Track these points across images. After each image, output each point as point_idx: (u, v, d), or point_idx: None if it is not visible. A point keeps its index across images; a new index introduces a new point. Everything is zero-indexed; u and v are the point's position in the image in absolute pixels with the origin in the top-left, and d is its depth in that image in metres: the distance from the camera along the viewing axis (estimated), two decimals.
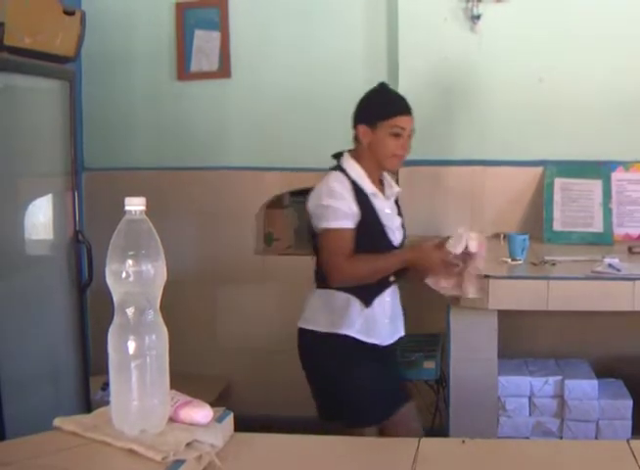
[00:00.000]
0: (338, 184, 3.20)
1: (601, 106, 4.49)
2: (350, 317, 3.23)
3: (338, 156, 3.38)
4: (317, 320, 3.28)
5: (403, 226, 3.44)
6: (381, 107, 3.32)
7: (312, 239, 3.35)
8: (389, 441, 2.01)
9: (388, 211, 3.34)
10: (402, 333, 3.47)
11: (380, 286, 3.32)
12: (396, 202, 3.47)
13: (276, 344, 5.02)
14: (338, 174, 3.25)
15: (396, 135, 3.26)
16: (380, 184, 3.38)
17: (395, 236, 3.35)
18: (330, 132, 4.85)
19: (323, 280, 3.30)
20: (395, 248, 3.34)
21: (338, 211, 3.16)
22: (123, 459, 1.69)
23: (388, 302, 3.35)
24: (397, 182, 4.59)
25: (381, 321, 3.31)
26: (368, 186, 3.27)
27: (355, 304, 3.25)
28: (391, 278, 3.35)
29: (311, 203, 3.25)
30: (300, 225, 5.66)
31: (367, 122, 3.30)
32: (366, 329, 3.26)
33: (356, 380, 3.24)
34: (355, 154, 3.34)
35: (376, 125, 3.27)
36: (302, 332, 3.34)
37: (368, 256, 3.19)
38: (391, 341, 3.39)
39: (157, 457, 1.66)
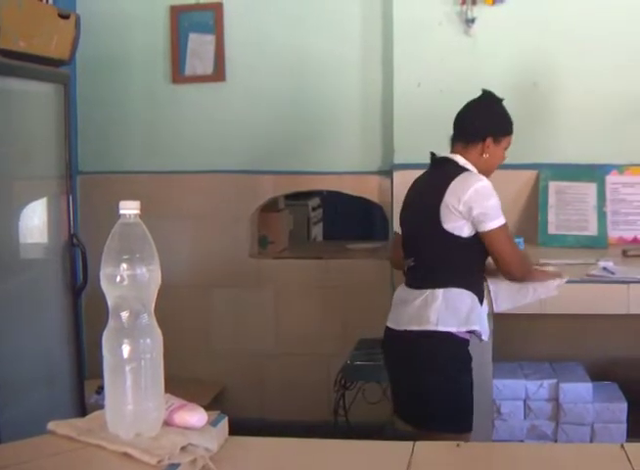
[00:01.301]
0: (488, 182, 3.24)
1: (595, 109, 4.49)
2: (477, 314, 3.20)
3: (443, 159, 3.40)
4: (446, 320, 3.15)
5: None
6: (508, 122, 3.49)
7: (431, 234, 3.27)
8: (384, 444, 2.00)
9: None
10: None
11: (483, 285, 3.38)
12: None
13: (271, 347, 5.03)
14: (476, 173, 3.30)
15: (505, 149, 3.44)
16: None
17: None
18: (324, 136, 4.88)
19: (447, 279, 3.20)
20: None
21: (500, 208, 3.23)
22: (118, 463, 1.69)
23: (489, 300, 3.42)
24: (392, 185, 4.63)
25: (485, 319, 3.30)
26: None
27: (476, 301, 3.23)
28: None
29: (478, 205, 3.16)
30: (295, 228, 5.68)
31: (494, 136, 3.39)
32: (485, 326, 3.27)
33: (468, 383, 3.19)
34: (468, 159, 3.34)
35: (500, 140, 3.39)
36: (425, 334, 3.18)
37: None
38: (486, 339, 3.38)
39: (151, 461, 1.65)
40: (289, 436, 2.00)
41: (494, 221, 3.16)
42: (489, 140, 3.34)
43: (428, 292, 3.18)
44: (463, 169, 3.24)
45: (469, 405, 3.17)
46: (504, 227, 3.19)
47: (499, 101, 3.52)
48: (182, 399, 1.86)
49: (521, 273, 3.29)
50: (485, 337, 3.25)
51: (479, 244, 3.20)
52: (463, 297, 3.17)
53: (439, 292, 3.16)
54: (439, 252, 3.23)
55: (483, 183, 3.19)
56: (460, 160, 3.30)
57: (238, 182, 4.97)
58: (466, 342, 3.16)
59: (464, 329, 3.15)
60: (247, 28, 4.88)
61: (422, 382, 3.19)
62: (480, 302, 3.24)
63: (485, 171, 3.31)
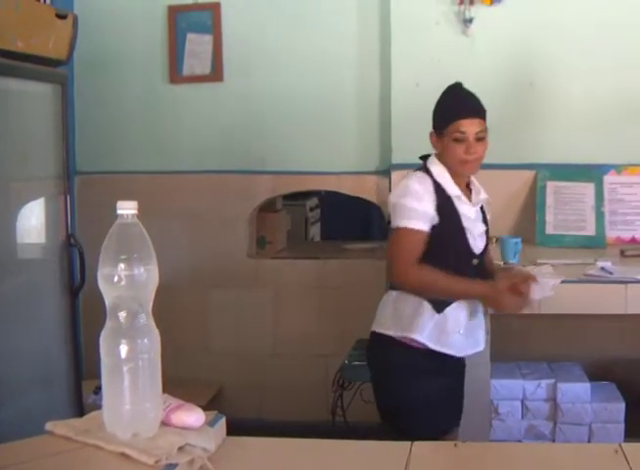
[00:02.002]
0: (419, 185, 3.06)
1: (593, 109, 4.50)
2: (421, 321, 3.05)
3: (424, 157, 3.24)
4: (388, 324, 3.12)
5: (487, 233, 3.26)
6: (443, 113, 3.18)
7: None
8: (382, 444, 2.00)
9: (471, 216, 3.16)
10: (482, 347, 3.24)
11: None
12: (482, 209, 3.27)
13: (269, 348, 5.03)
14: (421, 175, 3.12)
15: (459, 140, 3.06)
16: (467, 189, 3.22)
17: (477, 243, 3.16)
18: (322, 136, 4.88)
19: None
20: (475, 254, 3.15)
21: (413, 212, 3.03)
22: (116, 463, 1.69)
23: (464, 311, 3.13)
24: (390, 185, 4.62)
25: (453, 331, 3.09)
26: (452, 189, 3.11)
27: (427, 308, 3.07)
28: None
29: (391, 199, 3.12)
30: (293, 229, 5.68)
31: (435, 129, 3.17)
32: (437, 336, 3.06)
33: (414, 391, 3.09)
34: (440, 157, 3.17)
35: (442, 132, 3.11)
36: (373, 335, 3.18)
37: (439, 272, 3.02)
38: (467, 353, 3.19)
39: (149, 461, 1.65)
40: (287, 436, 2.00)
41: (398, 221, 3.04)
42: (432, 134, 3.17)
43: (388, 293, 3.17)
44: (422, 169, 3.16)
45: (413, 416, 3.10)
46: (405, 231, 3.03)
47: (447, 91, 3.29)
48: (180, 400, 1.86)
49: (397, 281, 3.10)
50: (449, 351, 3.08)
51: (432, 241, 3.06)
52: (408, 302, 3.08)
53: (392, 294, 3.14)
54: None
55: (409, 182, 3.08)
56: (431, 158, 3.19)
57: (236, 182, 4.97)
58: (411, 348, 3.07)
59: (400, 335, 3.07)
60: (244, 29, 4.88)
61: (372, 384, 3.27)
62: (438, 310, 3.07)
63: (452, 168, 3.12)
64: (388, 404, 3.18)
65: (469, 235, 3.12)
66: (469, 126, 3.07)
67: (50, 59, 3.67)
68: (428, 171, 3.13)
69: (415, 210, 3.03)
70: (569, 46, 4.47)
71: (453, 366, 3.17)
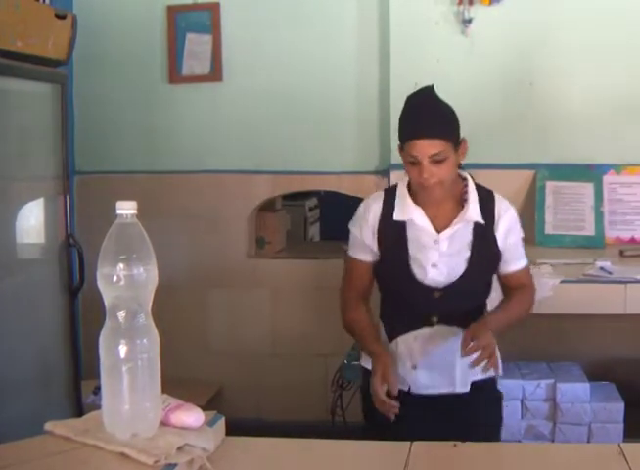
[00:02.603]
0: (364, 209, 2.88)
1: (592, 109, 4.49)
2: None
3: None
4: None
5: (471, 262, 2.81)
6: (399, 128, 2.81)
7: None
8: (381, 444, 2.00)
9: (427, 243, 2.80)
10: (455, 389, 2.87)
11: (409, 323, 2.90)
12: (487, 229, 2.84)
13: (268, 348, 5.03)
14: (377, 194, 2.92)
15: (413, 163, 2.71)
16: (460, 205, 2.84)
17: (427, 272, 2.80)
18: (321, 136, 4.87)
19: None
20: (430, 287, 2.81)
21: (354, 239, 2.92)
22: (115, 463, 1.69)
23: (418, 345, 2.87)
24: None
25: (402, 364, 2.87)
26: (404, 211, 2.82)
27: (383, 333, 2.95)
28: (434, 319, 2.85)
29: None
30: (292, 229, 5.68)
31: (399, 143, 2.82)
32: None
33: (367, 420, 2.95)
34: None
35: (402, 147, 2.78)
36: None
37: (363, 320, 2.94)
38: (430, 392, 2.87)
39: (148, 461, 1.66)
40: (286, 436, 2.01)
41: (348, 245, 2.98)
42: (399, 146, 2.83)
43: None
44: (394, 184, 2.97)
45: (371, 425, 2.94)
46: (348, 258, 2.99)
47: (407, 100, 2.92)
48: (179, 400, 1.87)
49: (340, 305, 3.10)
50: (400, 385, 2.74)
51: (377, 269, 2.94)
52: None
53: None
54: None
55: (361, 204, 2.93)
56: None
57: (235, 182, 4.96)
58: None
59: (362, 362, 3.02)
60: (244, 29, 4.88)
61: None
62: (390, 337, 2.93)
63: (415, 189, 2.82)
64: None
65: (413, 265, 2.81)
66: (421, 149, 2.67)
67: (49, 59, 3.67)
68: (393, 189, 2.92)
69: (355, 237, 2.92)
70: (568, 46, 4.47)
71: (427, 405, 2.86)
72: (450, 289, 2.81)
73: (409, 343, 2.88)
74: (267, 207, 5.22)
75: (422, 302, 2.84)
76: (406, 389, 2.85)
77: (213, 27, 4.87)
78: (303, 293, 4.95)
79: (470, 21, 4.47)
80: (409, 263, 2.82)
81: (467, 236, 2.82)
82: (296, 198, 5.98)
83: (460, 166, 2.87)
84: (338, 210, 6.69)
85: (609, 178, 4.47)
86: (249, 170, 4.94)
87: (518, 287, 2.92)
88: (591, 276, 3.58)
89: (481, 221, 2.81)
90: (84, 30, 4.04)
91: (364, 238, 2.88)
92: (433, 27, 4.55)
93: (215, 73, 4.90)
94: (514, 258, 2.91)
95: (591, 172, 4.47)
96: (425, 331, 2.86)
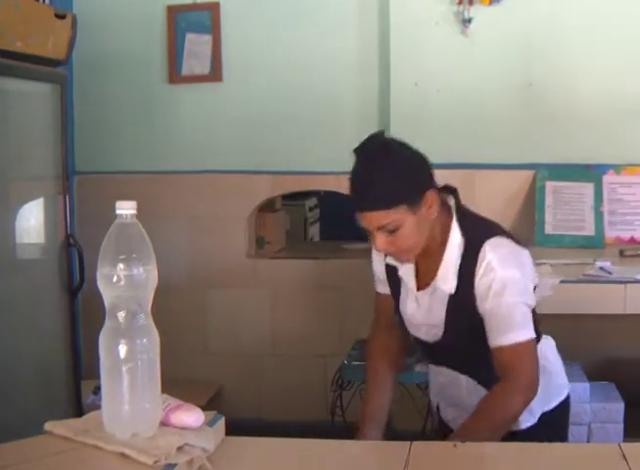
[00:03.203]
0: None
1: (592, 109, 4.49)
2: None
3: None
4: None
5: (447, 325, 2.49)
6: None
7: None
8: (381, 444, 2.00)
9: (411, 296, 2.58)
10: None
11: (425, 357, 2.86)
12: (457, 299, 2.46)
13: (268, 348, 5.03)
14: None
15: (370, 232, 2.39)
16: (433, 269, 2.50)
17: (419, 331, 2.61)
18: (321, 136, 4.88)
19: None
20: (420, 339, 2.64)
21: (373, 271, 2.76)
22: (115, 463, 1.69)
23: (439, 380, 2.72)
24: None
25: (432, 394, 2.81)
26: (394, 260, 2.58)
27: None
28: (438, 360, 2.69)
29: None
30: (292, 229, 5.68)
31: None
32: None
33: None
34: None
35: None
36: None
37: (375, 365, 2.75)
38: (451, 426, 2.70)
39: (148, 461, 1.65)
40: (286, 436, 2.00)
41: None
42: None
43: None
44: None
45: None
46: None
47: (355, 154, 2.39)
48: (179, 400, 1.86)
49: None
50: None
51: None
52: None
53: None
54: None
55: None
56: None
57: (235, 182, 4.97)
58: None
59: None
60: (244, 28, 4.88)
61: None
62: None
63: None
64: None
65: (402, 305, 2.64)
66: (367, 221, 2.34)
67: (49, 59, 3.67)
68: None
69: (373, 270, 2.76)
70: (568, 46, 4.47)
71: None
72: (438, 343, 2.56)
73: (434, 375, 2.76)
74: (267, 207, 5.22)
75: (425, 349, 2.71)
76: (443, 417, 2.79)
77: (213, 27, 4.87)
78: (303, 293, 4.95)
79: (470, 20, 4.47)
80: (399, 303, 2.66)
81: (438, 301, 2.49)
82: (295, 198, 5.98)
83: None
84: (337, 210, 6.69)
85: (608, 178, 4.47)
86: (248, 170, 4.94)
87: (502, 371, 2.35)
88: (591, 276, 3.58)
89: (451, 291, 2.43)
90: (84, 30, 4.04)
91: (377, 272, 2.74)
92: (432, 27, 4.54)
93: (215, 73, 4.90)
94: (493, 329, 2.35)
95: (591, 172, 4.47)
96: (435, 368, 2.73)
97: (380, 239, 2.35)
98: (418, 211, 2.33)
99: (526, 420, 2.52)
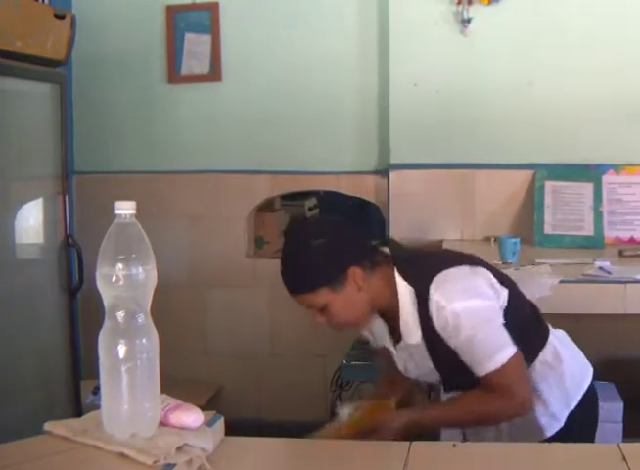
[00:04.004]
0: None
1: (591, 109, 4.49)
2: None
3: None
4: None
5: (437, 367, 2.51)
6: None
7: None
8: (381, 444, 2.00)
9: (393, 351, 2.58)
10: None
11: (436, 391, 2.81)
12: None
13: (267, 348, 5.03)
14: None
15: None
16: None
17: (416, 377, 2.64)
18: (321, 136, 4.87)
19: None
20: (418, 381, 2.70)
21: None
22: (114, 463, 1.68)
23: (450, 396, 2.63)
24: (388, 185, 4.63)
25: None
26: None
27: None
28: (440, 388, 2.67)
29: None
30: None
31: None
32: None
33: None
34: None
35: None
36: None
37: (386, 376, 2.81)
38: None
39: (147, 461, 1.65)
40: (285, 436, 2.00)
41: None
42: None
43: None
44: None
45: None
46: None
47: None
48: (178, 400, 1.86)
49: None
50: None
51: None
52: None
53: None
54: None
55: None
56: None
57: (234, 182, 4.97)
58: None
59: None
60: (243, 29, 4.88)
61: None
62: None
63: None
64: None
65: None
66: (297, 302, 2.53)
67: (48, 59, 3.67)
68: None
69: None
70: (567, 46, 4.47)
71: None
72: (442, 381, 2.61)
73: (443, 395, 2.69)
74: (266, 206, 5.22)
75: (428, 384, 2.80)
76: None
77: (213, 27, 4.87)
78: None
79: (469, 20, 4.47)
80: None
81: (419, 351, 2.50)
82: (295, 198, 5.97)
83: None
84: (337, 209, 6.70)
85: (608, 178, 4.47)
86: (248, 170, 4.94)
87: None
88: (590, 276, 3.57)
89: (418, 342, 2.45)
90: (83, 30, 4.04)
91: (365, 336, 2.76)
92: (432, 27, 4.54)
93: (214, 73, 4.90)
94: (467, 360, 2.37)
95: (590, 172, 4.47)
96: (446, 394, 2.66)
97: (314, 316, 2.50)
98: (342, 290, 2.40)
99: (552, 426, 2.52)
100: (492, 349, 2.32)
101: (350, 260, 2.42)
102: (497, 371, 2.30)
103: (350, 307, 2.44)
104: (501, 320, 2.38)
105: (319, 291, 2.40)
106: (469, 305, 2.34)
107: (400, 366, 2.60)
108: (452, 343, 2.36)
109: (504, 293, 2.46)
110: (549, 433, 2.51)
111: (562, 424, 2.54)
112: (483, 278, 2.43)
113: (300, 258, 2.43)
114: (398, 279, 2.45)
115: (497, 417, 2.40)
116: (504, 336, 2.35)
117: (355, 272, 2.41)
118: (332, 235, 2.46)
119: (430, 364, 2.49)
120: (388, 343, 2.57)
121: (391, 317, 2.51)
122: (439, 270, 2.40)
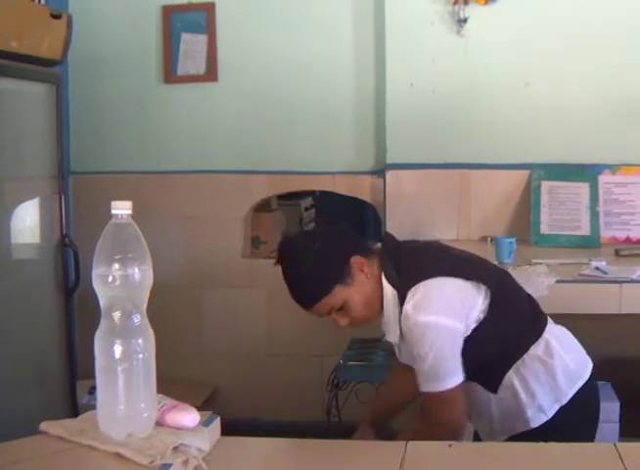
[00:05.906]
0: None
1: (587, 109, 4.50)
2: None
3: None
4: None
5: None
6: None
7: None
8: (377, 444, 2.00)
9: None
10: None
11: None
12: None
13: (264, 348, 5.03)
14: None
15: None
16: None
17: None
18: (317, 136, 4.87)
19: None
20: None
21: None
22: (110, 463, 1.68)
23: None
24: (385, 185, 4.63)
25: None
26: None
27: None
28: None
29: None
30: (287, 228, 5.67)
31: None
32: None
33: None
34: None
35: None
36: None
37: (390, 384, 3.04)
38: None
39: (143, 461, 1.65)
40: (281, 436, 2.00)
41: None
42: None
43: None
44: None
45: None
46: None
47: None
48: (174, 400, 1.86)
49: None
50: None
51: None
52: None
53: None
54: None
55: None
56: None
57: (230, 182, 4.96)
58: None
59: None
60: (239, 29, 4.87)
61: None
62: None
63: None
64: None
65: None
66: (317, 314, 2.61)
67: (44, 59, 3.67)
68: None
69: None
70: (564, 46, 4.47)
71: None
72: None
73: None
74: (263, 207, 5.22)
75: None
76: None
77: (209, 27, 4.87)
78: None
79: (465, 20, 4.47)
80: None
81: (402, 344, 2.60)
82: (291, 198, 5.97)
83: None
84: (333, 210, 6.69)
85: (604, 178, 4.47)
86: (244, 170, 4.94)
87: (426, 414, 2.53)
88: (586, 276, 3.58)
89: (395, 341, 2.58)
90: (79, 30, 4.04)
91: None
92: (428, 27, 4.54)
93: (210, 73, 4.90)
94: (416, 369, 2.47)
95: (586, 172, 4.47)
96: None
97: (336, 319, 2.56)
98: (353, 281, 2.49)
99: (538, 418, 2.57)
100: (440, 374, 2.40)
101: (349, 250, 2.52)
102: (437, 394, 2.41)
103: (366, 297, 2.52)
104: (460, 344, 2.43)
105: (334, 290, 2.48)
106: (431, 321, 2.39)
107: (396, 350, 2.70)
108: (411, 349, 2.44)
109: (480, 306, 2.50)
110: (534, 424, 2.56)
111: (549, 417, 2.57)
112: (458, 292, 2.49)
113: (305, 270, 2.50)
114: (384, 281, 2.53)
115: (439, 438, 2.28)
116: (455, 364, 2.42)
117: (357, 260, 2.50)
118: (323, 236, 2.58)
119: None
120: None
121: None
122: (420, 279, 2.45)
